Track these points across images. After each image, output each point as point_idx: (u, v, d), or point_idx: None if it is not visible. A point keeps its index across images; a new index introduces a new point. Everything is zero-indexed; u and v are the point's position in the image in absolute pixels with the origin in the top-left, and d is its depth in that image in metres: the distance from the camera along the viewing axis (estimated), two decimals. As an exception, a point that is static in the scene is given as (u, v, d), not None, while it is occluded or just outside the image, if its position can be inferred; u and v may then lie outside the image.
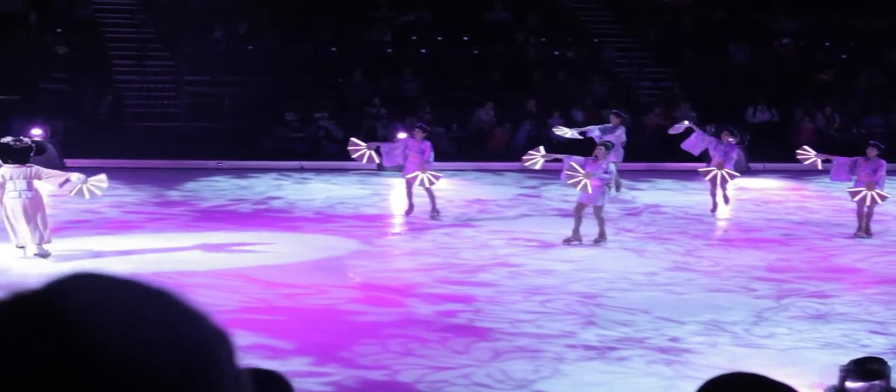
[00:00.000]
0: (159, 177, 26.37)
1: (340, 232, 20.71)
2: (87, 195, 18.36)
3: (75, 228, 20.33)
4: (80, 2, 34.52)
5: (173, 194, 24.46)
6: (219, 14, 34.53)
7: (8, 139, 17.65)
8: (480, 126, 32.59)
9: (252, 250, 18.79)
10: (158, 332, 1.37)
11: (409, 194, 22.14)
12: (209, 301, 15.18)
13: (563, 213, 23.00)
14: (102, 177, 18.60)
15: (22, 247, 17.65)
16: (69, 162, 27.23)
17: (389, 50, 35.44)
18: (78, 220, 21.18)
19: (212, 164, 28.19)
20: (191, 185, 25.62)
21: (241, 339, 13.07)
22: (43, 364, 1.33)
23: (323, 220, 22.10)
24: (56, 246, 17.98)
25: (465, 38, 36.17)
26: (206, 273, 16.92)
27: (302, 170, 28.48)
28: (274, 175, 27.52)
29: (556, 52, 36.64)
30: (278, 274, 17.00)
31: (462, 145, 31.27)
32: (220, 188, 25.45)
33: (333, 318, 14.70)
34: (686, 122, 26.02)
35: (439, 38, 36.01)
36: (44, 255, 17.64)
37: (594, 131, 25.48)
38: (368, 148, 23.12)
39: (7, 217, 17.50)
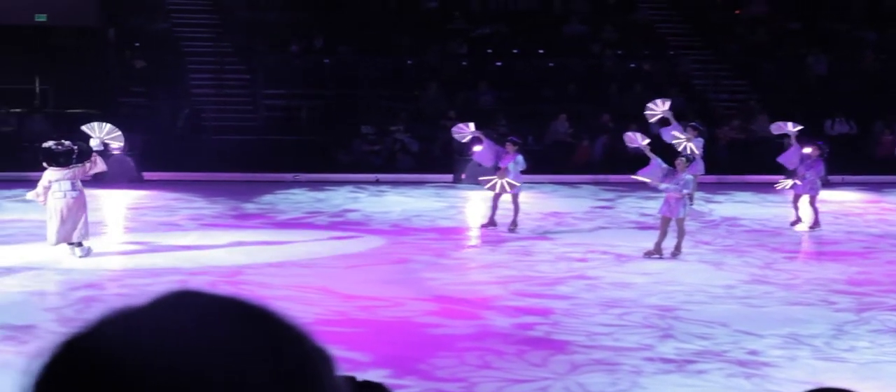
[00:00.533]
0: (236, 190, 26.54)
1: (416, 244, 20.72)
2: (114, 145, 19.55)
3: (153, 240, 20.46)
4: (158, 16, 34.82)
5: (250, 207, 24.59)
6: (296, 28, 34.73)
7: (50, 143, 18.62)
8: (556, 139, 32.50)
9: (329, 263, 18.82)
10: (260, 349, 1.37)
11: (494, 207, 22.05)
12: (287, 314, 15.21)
13: (640, 226, 22.92)
14: (118, 133, 19.47)
15: (66, 242, 18.44)
16: (147, 175, 27.51)
17: (465, 63, 35.45)
18: (156, 230, 21.35)
19: (289, 176, 28.33)
20: (268, 197, 25.75)
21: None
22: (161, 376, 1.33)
23: (399, 232, 22.12)
24: (140, 260, 18.13)
25: (541, 51, 36.12)
26: (283, 286, 16.95)
27: (378, 182, 28.55)
28: (350, 188, 27.61)
29: (633, 65, 36.51)
30: (355, 286, 17.00)
31: (538, 158, 31.19)
32: (296, 201, 25.56)
33: (410, 331, 14.69)
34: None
35: (515, 51, 35.99)
36: (86, 253, 18.48)
37: (673, 130, 25.11)
38: (474, 133, 23.09)
39: (51, 217, 18.31)
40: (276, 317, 1.44)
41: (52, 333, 13.79)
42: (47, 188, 18.34)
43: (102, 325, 1.41)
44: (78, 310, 15.27)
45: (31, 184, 25.88)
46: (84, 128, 19.88)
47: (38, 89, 32.98)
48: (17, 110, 31.10)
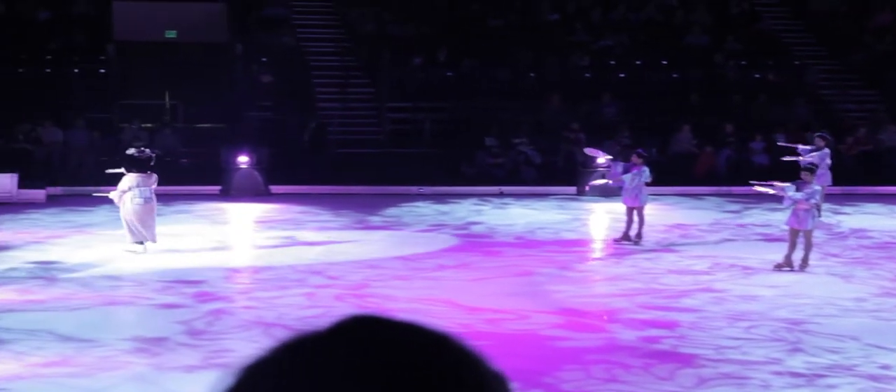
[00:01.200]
0: (361, 202, 26.75)
1: (540, 257, 20.71)
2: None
3: (280, 253, 20.70)
4: (285, 31, 35.22)
5: (375, 220, 24.76)
6: (419, 41, 34.92)
7: (132, 150, 19.97)
8: (679, 150, 32.31)
9: (453, 276, 18.89)
10: (441, 374, 1.41)
11: (629, 221, 21.94)
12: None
13: (767, 238, 22.69)
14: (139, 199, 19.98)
15: (140, 242, 19.80)
16: (274, 188, 27.84)
17: (588, 74, 35.38)
18: (282, 244, 21.60)
19: (413, 189, 28.47)
20: (392, 210, 25.92)
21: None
22: None
23: (523, 245, 22.14)
24: (267, 273, 18.37)
25: (664, 62, 35.94)
26: (408, 298, 17.06)
27: (501, 195, 28.59)
28: (474, 200, 27.68)
29: (757, 75, 36.16)
30: (480, 299, 17.06)
31: (662, 169, 31.02)
32: (421, 213, 25.69)
33: (536, 344, 14.69)
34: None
35: (638, 62, 35.84)
36: (144, 251, 19.83)
37: (807, 153, 24.87)
38: (605, 154, 23.17)
39: (128, 218, 19.66)
40: (455, 342, 1.48)
41: (182, 346, 14.06)
42: (124, 192, 19.66)
43: (281, 353, 1.46)
44: (208, 322, 15.51)
45: (162, 197, 26.41)
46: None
47: (167, 104, 33.55)
48: (148, 125, 31.65)
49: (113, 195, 20.05)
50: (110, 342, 14.39)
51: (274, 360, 1.46)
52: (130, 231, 19.86)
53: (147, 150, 20.15)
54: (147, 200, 19.79)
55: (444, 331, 1.48)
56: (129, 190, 19.67)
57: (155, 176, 20.05)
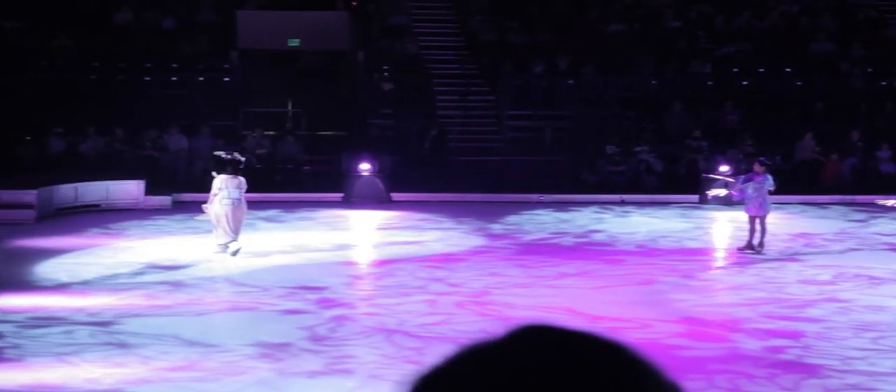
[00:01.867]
0: (482, 210, 26.78)
1: (662, 265, 20.57)
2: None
3: (402, 260, 20.80)
4: (407, 40, 35.40)
5: (496, 227, 24.77)
6: (540, 49, 34.90)
7: (222, 153, 20.66)
8: (803, 158, 31.91)
9: (574, 284, 18.84)
10: (618, 384, 1.42)
11: (752, 230, 21.66)
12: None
13: (894, 248, 22.32)
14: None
15: (224, 244, 20.33)
16: (395, 195, 27.98)
17: (710, 82, 35.09)
18: (403, 251, 21.71)
19: (533, 197, 28.44)
20: (513, 218, 25.91)
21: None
22: None
23: (645, 253, 22.00)
24: (388, 280, 18.48)
25: (788, 70, 35.51)
26: (528, 306, 17.04)
27: (623, 203, 28.44)
28: (595, 208, 27.58)
29: (884, 83, 35.58)
30: (601, 307, 16.99)
31: (785, 178, 30.66)
32: (542, 221, 25.65)
33: (658, 353, 14.52)
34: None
35: (761, 70, 35.45)
36: (236, 252, 20.37)
37: None
38: (725, 176, 22.94)
39: (217, 218, 20.21)
40: (631, 352, 1.48)
41: (305, 351, 14.18)
42: (214, 194, 20.27)
43: (457, 362, 1.47)
44: (330, 328, 15.63)
45: (285, 204, 26.71)
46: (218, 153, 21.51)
47: (290, 112, 33.90)
48: (271, 133, 32.01)
49: (206, 207, 20.62)
50: (234, 347, 14.56)
51: (449, 370, 1.47)
52: (219, 230, 20.43)
53: (236, 154, 20.74)
54: (237, 201, 20.33)
55: (620, 341, 1.48)
56: (219, 192, 20.25)
57: (241, 179, 20.47)
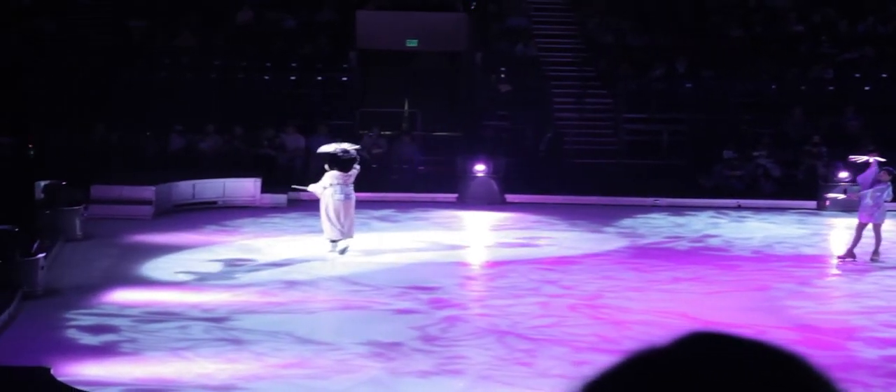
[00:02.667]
0: (596, 213, 26.66)
1: (778, 271, 20.33)
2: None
3: (514, 261, 20.80)
4: (525, 41, 35.36)
5: (610, 231, 24.65)
6: (658, 52, 34.68)
7: (336, 150, 20.73)
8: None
9: (688, 289, 18.70)
10: None
11: (857, 237, 21.14)
12: (646, 339, 15.21)
13: None
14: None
15: (334, 241, 20.59)
16: (509, 197, 27.97)
17: (831, 87, 34.58)
18: (516, 252, 21.71)
19: (649, 200, 28.25)
20: (627, 221, 25.76)
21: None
22: None
23: (760, 259, 21.76)
24: (501, 281, 18.47)
25: (912, 75, 34.88)
26: (642, 310, 16.95)
27: (739, 208, 28.15)
28: (711, 213, 27.32)
29: None
30: (715, 313, 16.85)
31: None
32: (656, 225, 25.47)
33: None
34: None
35: (883, 75, 34.86)
36: (344, 250, 20.67)
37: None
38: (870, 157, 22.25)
39: (327, 214, 20.42)
40: (802, 361, 1.46)
41: (416, 351, 14.23)
42: (325, 187, 20.53)
43: (625, 367, 1.46)
44: (442, 328, 15.68)
45: (399, 204, 26.82)
46: (324, 147, 21.56)
47: (406, 112, 34.04)
48: (387, 133, 32.17)
49: (313, 187, 20.92)
50: (346, 345, 14.67)
51: (618, 375, 1.47)
52: (328, 225, 20.59)
53: (351, 151, 20.84)
54: (347, 197, 20.51)
55: (790, 350, 1.45)
56: (330, 186, 20.44)
57: (353, 172, 20.67)
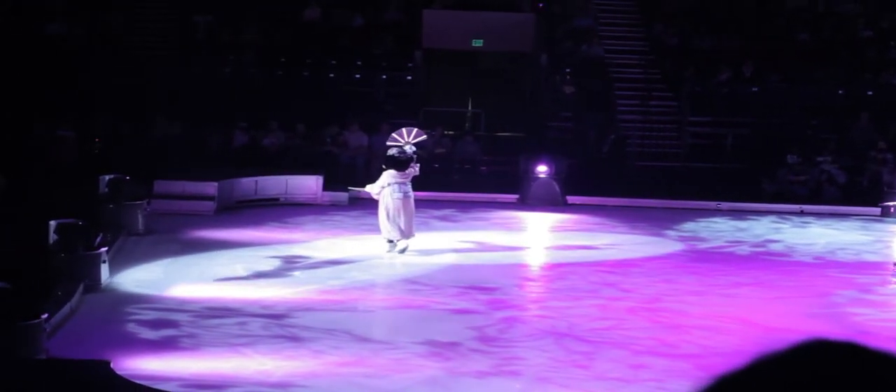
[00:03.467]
0: (657, 216, 26.57)
1: (840, 278, 20.16)
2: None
3: (574, 264, 20.77)
4: (591, 42, 35.25)
5: (671, 233, 24.55)
6: (725, 55, 34.49)
7: (394, 151, 20.67)
8: None
9: (748, 294, 18.58)
10: None
11: None
12: (705, 343, 15.16)
13: None
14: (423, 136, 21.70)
15: (392, 241, 20.56)
16: (570, 198, 27.91)
17: (898, 93, 34.24)
18: (576, 255, 21.68)
19: (711, 204, 28.10)
20: (689, 225, 25.64)
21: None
22: None
23: (822, 265, 21.59)
24: (560, 283, 18.43)
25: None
26: (701, 315, 16.87)
27: (802, 213, 27.95)
28: (773, 218, 27.14)
29: None
30: (775, 319, 16.74)
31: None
32: (718, 229, 25.34)
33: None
34: None
35: (954, 83, 34.48)
36: (403, 249, 20.65)
37: None
38: None
39: (386, 214, 20.39)
40: None
41: (474, 351, 14.25)
42: (383, 186, 20.52)
43: (750, 371, 1.46)
44: (500, 329, 15.69)
45: (460, 204, 26.84)
46: (394, 135, 21.45)
47: (469, 112, 34.05)
48: (450, 132, 32.20)
49: (369, 188, 20.88)
50: (404, 345, 14.71)
51: (742, 377, 1.47)
52: (386, 225, 20.57)
53: (408, 151, 20.74)
54: (405, 195, 20.47)
55: None
56: (388, 185, 20.44)
57: (411, 171, 20.61)
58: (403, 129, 21.34)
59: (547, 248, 23.40)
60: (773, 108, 32.84)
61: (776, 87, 33.74)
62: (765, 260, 21.98)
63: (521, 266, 21.09)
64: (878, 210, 28.04)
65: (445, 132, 31.85)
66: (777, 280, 19.81)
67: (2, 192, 24.31)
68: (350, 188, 22.87)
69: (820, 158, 30.39)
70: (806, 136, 31.67)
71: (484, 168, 31.11)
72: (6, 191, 24.31)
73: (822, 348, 1.43)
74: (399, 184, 20.44)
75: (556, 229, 25.08)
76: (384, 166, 20.79)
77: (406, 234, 20.57)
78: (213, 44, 33.91)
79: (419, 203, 21.58)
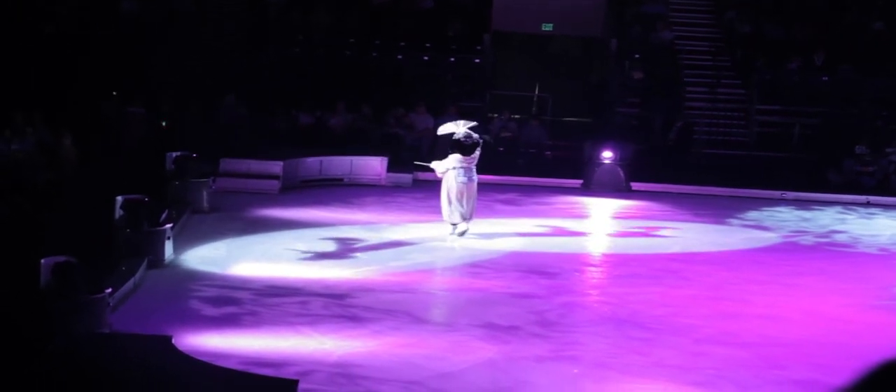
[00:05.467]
0: (722, 204, 26.46)
1: (906, 271, 20.02)
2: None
3: (635, 251, 20.73)
4: (662, 28, 35.09)
5: (735, 222, 24.43)
6: (796, 44, 34.22)
7: (461, 136, 20.48)
8: None
9: (811, 284, 18.46)
10: None
11: None
12: (766, 333, 15.09)
13: None
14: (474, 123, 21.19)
15: (454, 224, 20.46)
16: (635, 185, 27.84)
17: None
18: (637, 242, 21.65)
19: (776, 194, 27.94)
20: (753, 214, 25.52)
21: (797, 372, 12.92)
22: None
23: (887, 257, 21.42)
24: (620, 269, 18.39)
25: None
26: (762, 304, 16.78)
27: (868, 204, 27.71)
28: (838, 208, 26.94)
29: None
30: (837, 310, 16.61)
31: None
32: (782, 219, 25.19)
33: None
34: None
35: None
36: (463, 232, 20.59)
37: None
38: None
39: (448, 197, 20.39)
40: None
41: (533, 336, 14.27)
42: (449, 168, 20.50)
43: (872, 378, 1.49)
44: (560, 314, 15.70)
45: (525, 188, 26.84)
46: (445, 126, 21.36)
47: (536, 96, 34.01)
48: (516, 116, 32.18)
49: (436, 165, 20.77)
50: (464, 327, 14.75)
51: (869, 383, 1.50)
52: (448, 208, 20.56)
53: (475, 136, 20.65)
54: (470, 180, 20.44)
55: None
56: (453, 169, 20.43)
57: (475, 155, 20.53)
58: (459, 120, 21.31)
59: (609, 234, 23.36)
60: (843, 99, 32.57)
61: (847, 77, 33.43)
62: (829, 250, 21.83)
63: (583, 252, 21.06)
64: None
65: (512, 116, 31.84)
66: (841, 271, 19.67)
67: (73, 166, 24.61)
68: (417, 163, 22.79)
69: (889, 150, 30.11)
70: (875, 127, 31.39)
71: (549, 153, 31.08)
72: (76, 165, 24.61)
73: None
74: (464, 168, 20.40)
75: (620, 216, 25.02)
76: (451, 150, 20.71)
77: (467, 217, 20.58)
78: (284, 25, 34.04)
79: (483, 186, 21.61)
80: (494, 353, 13.59)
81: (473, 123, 21.08)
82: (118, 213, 17.72)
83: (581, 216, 24.80)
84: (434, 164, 20.88)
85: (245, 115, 29.96)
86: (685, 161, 30.36)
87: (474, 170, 20.58)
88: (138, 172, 21.91)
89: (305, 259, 18.57)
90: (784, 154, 31.00)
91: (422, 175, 25.05)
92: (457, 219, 20.57)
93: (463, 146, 20.48)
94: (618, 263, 19.86)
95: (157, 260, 17.30)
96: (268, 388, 11.25)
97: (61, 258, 13.39)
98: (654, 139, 31.46)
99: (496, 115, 31.73)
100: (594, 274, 19.38)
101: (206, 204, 22.46)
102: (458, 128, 20.75)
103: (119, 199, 17.84)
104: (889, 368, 1.40)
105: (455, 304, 16.46)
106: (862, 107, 32.37)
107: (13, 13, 30.60)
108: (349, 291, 16.34)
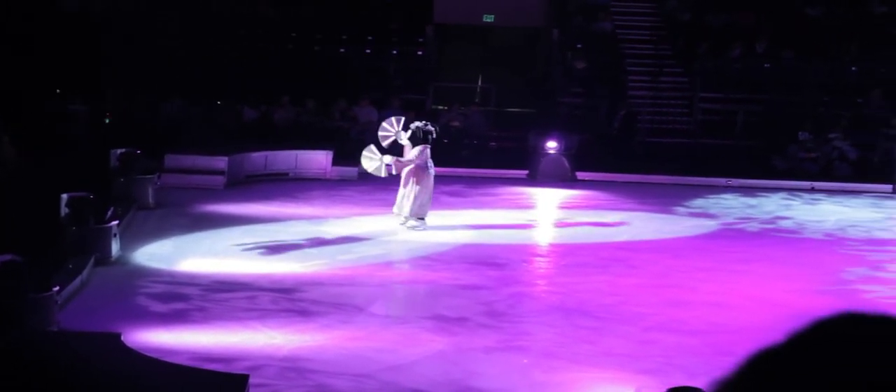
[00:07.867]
0: (667, 192, 26.58)
1: (851, 255, 20.16)
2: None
3: (583, 239, 20.79)
4: (603, 18, 35.19)
5: (680, 210, 24.55)
6: (738, 32, 34.42)
7: (419, 124, 20.66)
8: None
9: (757, 270, 18.57)
10: None
11: None
12: (714, 320, 15.18)
13: None
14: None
15: (406, 216, 20.66)
16: (580, 174, 27.91)
17: (914, 70, 34.16)
18: (585, 230, 21.70)
19: (721, 181, 28.11)
20: (699, 202, 25.65)
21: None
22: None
23: (833, 242, 21.58)
24: (570, 258, 18.44)
25: None
26: (709, 290, 16.88)
27: (813, 190, 27.93)
28: (783, 195, 27.13)
29: None
30: (784, 296, 16.73)
31: None
32: (727, 206, 25.34)
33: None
34: None
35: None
36: (414, 227, 20.66)
37: None
38: None
39: (429, 192, 20.54)
40: None
41: (482, 327, 14.28)
42: (411, 161, 20.43)
43: (792, 344, 1.49)
44: (509, 305, 15.72)
45: (469, 179, 26.81)
46: (384, 124, 21.28)
47: (479, 87, 34.04)
48: (463, 109, 32.20)
49: (393, 163, 20.65)
50: (413, 319, 14.76)
51: (780, 351, 1.50)
52: (419, 201, 20.61)
53: (430, 126, 20.67)
54: (428, 172, 20.52)
55: None
56: (428, 164, 20.42)
57: (426, 149, 20.53)
58: (392, 119, 21.24)
59: (556, 224, 23.41)
60: (786, 86, 32.79)
61: (789, 63, 33.67)
62: (774, 237, 21.98)
63: (530, 242, 21.10)
64: (889, 187, 28.02)
65: (461, 107, 31.84)
66: (787, 257, 19.80)
67: (14, 165, 24.37)
68: (384, 156, 21.90)
69: (831, 135, 30.35)
70: (818, 113, 31.63)
71: (493, 143, 31.12)
72: (18, 164, 24.38)
73: (853, 320, 1.48)
74: (430, 158, 20.53)
75: (565, 205, 25.08)
76: (411, 144, 20.63)
77: (423, 210, 20.67)
78: (228, 19, 33.88)
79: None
80: (444, 344, 13.59)
81: (422, 122, 20.98)
82: (63, 210, 17.58)
83: (527, 206, 24.84)
84: (407, 157, 20.68)
85: (189, 111, 29.80)
86: (630, 150, 30.50)
87: (431, 161, 20.65)
88: (83, 169, 21.73)
89: (253, 254, 18.51)
90: (728, 141, 31.21)
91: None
92: (409, 211, 20.57)
93: (430, 138, 20.47)
94: (565, 253, 19.90)
95: (103, 257, 17.19)
96: (218, 384, 11.19)
97: (7, 257, 13.26)
98: (599, 128, 31.55)
99: (445, 107, 31.74)
100: (542, 264, 19.43)
101: (151, 200, 22.34)
102: (396, 127, 20.72)
103: (64, 196, 17.71)
104: (821, 326, 1.41)
105: (404, 297, 16.47)
106: (804, 93, 32.60)
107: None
108: (297, 285, 16.30)
